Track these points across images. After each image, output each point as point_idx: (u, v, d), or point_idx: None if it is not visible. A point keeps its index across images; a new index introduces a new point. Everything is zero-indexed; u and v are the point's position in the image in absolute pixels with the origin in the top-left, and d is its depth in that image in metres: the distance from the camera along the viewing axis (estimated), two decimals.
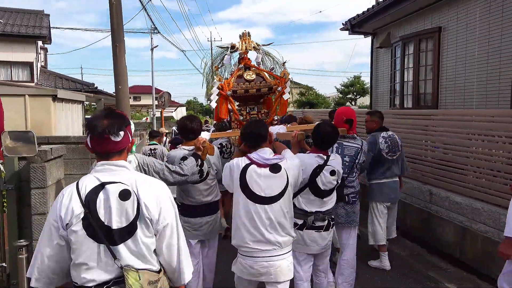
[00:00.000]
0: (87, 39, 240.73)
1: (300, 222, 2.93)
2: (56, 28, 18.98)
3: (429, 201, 5.05)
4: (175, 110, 35.37)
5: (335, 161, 3.03)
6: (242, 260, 2.59)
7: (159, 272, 1.70)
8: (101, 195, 1.62)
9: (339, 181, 3.05)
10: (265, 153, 2.58)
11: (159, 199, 1.68)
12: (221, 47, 4.21)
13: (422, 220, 5.11)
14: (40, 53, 17.75)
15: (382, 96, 10.08)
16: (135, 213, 1.62)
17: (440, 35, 7.50)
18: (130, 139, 1.75)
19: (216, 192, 3.36)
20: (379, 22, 9.23)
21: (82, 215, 1.59)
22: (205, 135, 3.24)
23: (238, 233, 2.56)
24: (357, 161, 3.56)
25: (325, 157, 2.97)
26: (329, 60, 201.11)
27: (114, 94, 9.05)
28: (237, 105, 4.02)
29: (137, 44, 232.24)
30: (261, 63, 4.07)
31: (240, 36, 4.10)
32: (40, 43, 18.44)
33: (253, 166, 2.54)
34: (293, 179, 2.62)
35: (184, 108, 41.98)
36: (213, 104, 3.87)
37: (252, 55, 4.08)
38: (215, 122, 5.61)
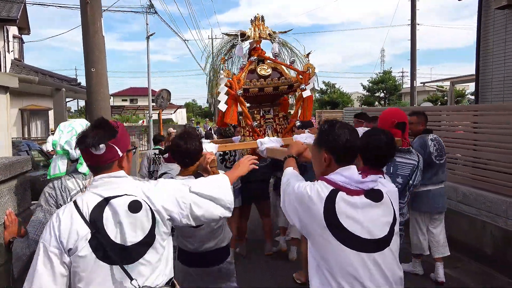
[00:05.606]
0: (80, 42, 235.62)
1: None
2: (26, 3, 15.72)
3: None
4: (175, 112, 32.69)
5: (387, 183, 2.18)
6: None
7: (172, 284, 1.57)
8: (107, 212, 1.44)
9: None
10: (353, 173, 1.64)
11: (171, 196, 1.56)
12: (229, 35, 3.47)
13: None
14: (10, 41, 14.48)
15: (502, 83, 6.66)
16: (151, 222, 1.48)
17: None
18: (119, 153, 1.54)
19: (222, 231, 2.52)
20: None
21: (89, 236, 1.40)
22: (211, 149, 2.62)
23: None
24: (411, 182, 2.96)
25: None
26: (327, 61, 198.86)
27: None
28: (248, 107, 3.34)
29: (133, 47, 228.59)
30: (279, 54, 3.40)
31: (251, 20, 3.38)
32: (14, 30, 15.43)
33: (342, 194, 1.60)
34: (397, 209, 1.72)
35: (184, 110, 38.87)
36: (222, 107, 3.08)
37: (264, 46, 3.45)
38: (217, 127, 5.04)
